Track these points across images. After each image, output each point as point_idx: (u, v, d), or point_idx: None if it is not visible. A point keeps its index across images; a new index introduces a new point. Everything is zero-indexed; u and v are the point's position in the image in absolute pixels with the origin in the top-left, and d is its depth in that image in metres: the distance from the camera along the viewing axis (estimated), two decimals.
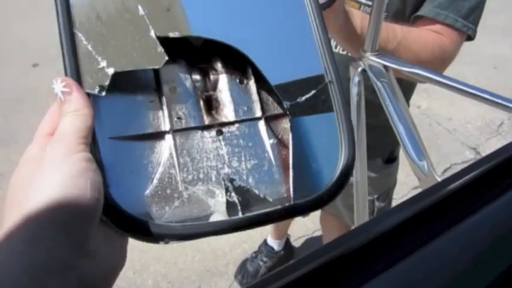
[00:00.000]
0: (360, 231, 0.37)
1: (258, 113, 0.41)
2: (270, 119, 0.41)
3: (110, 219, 0.32)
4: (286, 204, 0.37)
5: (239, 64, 0.41)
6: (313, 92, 0.41)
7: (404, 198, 2.02)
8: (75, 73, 0.34)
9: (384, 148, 1.22)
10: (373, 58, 0.69)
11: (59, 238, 0.28)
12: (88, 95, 0.34)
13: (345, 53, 0.98)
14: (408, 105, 1.11)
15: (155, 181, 0.36)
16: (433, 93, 2.82)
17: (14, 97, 2.89)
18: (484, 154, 2.55)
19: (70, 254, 0.29)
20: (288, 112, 0.40)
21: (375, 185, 1.25)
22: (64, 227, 0.29)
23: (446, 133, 2.75)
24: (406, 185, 2.20)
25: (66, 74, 0.34)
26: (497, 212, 0.32)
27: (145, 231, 0.33)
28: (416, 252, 0.29)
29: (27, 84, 3.01)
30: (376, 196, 1.29)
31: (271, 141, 0.40)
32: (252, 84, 0.41)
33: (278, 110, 0.41)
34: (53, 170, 0.30)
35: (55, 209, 0.28)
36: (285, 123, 0.40)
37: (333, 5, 0.66)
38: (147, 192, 0.35)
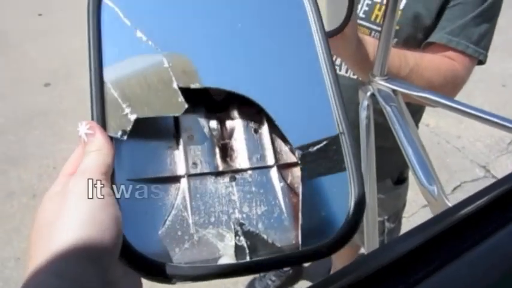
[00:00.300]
0: (372, 257, 0.37)
1: (271, 162, 0.42)
2: (282, 167, 0.43)
3: (122, 257, 0.33)
4: (294, 251, 0.38)
5: (254, 113, 0.44)
6: (324, 142, 0.42)
7: (414, 217, 1.99)
8: (101, 118, 0.37)
9: (393, 169, 1.22)
10: (382, 82, 0.70)
11: (85, 271, 0.29)
12: (111, 138, 0.37)
13: (355, 77, 0.99)
14: (417, 127, 1.11)
15: (168, 223, 0.37)
16: (442, 111, 2.79)
17: (25, 116, 2.92)
18: (493, 172, 2.54)
19: (95, 286, 0.30)
20: (299, 161, 0.41)
21: (384, 206, 1.25)
22: (88, 261, 0.30)
23: (455, 151, 2.74)
24: (415, 203, 2.18)
25: (92, 118, 0.37)
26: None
27: (155, 272, 0.34)
28: (429, 278, 0.29)
29: (38, 103, 3.05)
30: (386, 217, 1.29)
31: (282, 189, 0.41)
32: (265, 133, 0.44)
33: (290, 159, 0.43)
34: (76, 205, 0.32)
35: (80, 244, 0.30)
36: (296, 172, 0.42)
37: (344, 32, 0.67)
38: (160, 233, 0.36)
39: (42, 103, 3.05)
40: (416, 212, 2.21)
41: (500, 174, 2.51)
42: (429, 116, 2.81)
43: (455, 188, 2.45)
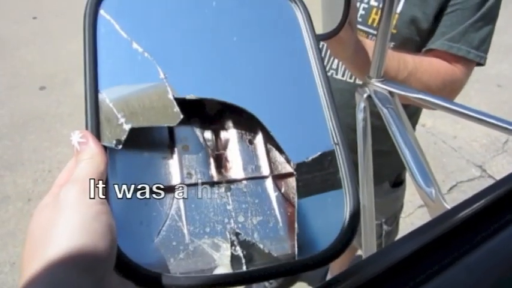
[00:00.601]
0: (370, 262, 0.37)
1: (266, 172, 0.42)
2: (277, 178, 0.43)
3: (116, 268, 0.33)
4: (290, 261, 0.38)
5: (249, 124, 0.44)
6: (319, 153, 0.42)
7: (410, 217, 1.99)
8: (95, 128, 0.37)
9: (390, 172, 1.22)
10: (378, 84, 0.69)
11: (79, 281, 0.29)
12: (105, 148, 0.36)
13: (351, 81, 0.99)
14: (414, 129, 1.11)
15: (163, 233, 0.37)
16: (438, 111, 2.81)
17: (20, 120, 2.91)
18: (490, 172, 2.55)
19: None
20: (294, 172, 0.41)
21: (382, 209, 1.25)
22: (83, 270, 0.29)
23: (451, 151, 2.75)
24: (412, 204, 2.19)
25: (86, 128, 0.37)
26: (508, 242, 0.32)
27: (150, 282, 0.34)
28: (428, 283, 0.29)
29: (34, 107, 3.04)
30: (383, 220, 1.29)
31: (278, 199, 0.41)
32: (260, 144, 0.44)
33: (285, 169, 0.43)
34: (68, 214, 0.31)
35: (74, 253, 0.29)
36: (292, 182, 0.42)
37: (340, 36, 0.67)
38: (154, 243, 0.36)
39: (38, 107, 3.04)
40: (412, 212, 2.22)
41: (496, 174, 2.52)
42: (426, 116, 2.80)
43: (451, 188, 2.46)
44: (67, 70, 3.34)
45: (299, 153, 0.42)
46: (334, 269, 1.81)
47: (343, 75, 1.00)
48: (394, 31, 0.91)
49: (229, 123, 0.44)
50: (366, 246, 0.81)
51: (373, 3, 0.94)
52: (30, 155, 2.61)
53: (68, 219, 0.31)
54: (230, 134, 0.44)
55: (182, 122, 0.40)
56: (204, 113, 0.44)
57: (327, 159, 0.42)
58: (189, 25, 0.44)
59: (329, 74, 1.01)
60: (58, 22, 4.08)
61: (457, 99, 0.94)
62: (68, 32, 3.64)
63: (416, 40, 0.94)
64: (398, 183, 1.26)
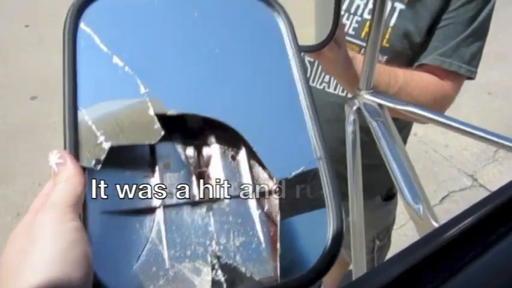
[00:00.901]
0: (358, 284, 0.36)
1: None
2: (260, 195, 0.42)
3: None
4: (273, 284, 0.37)
5: (231, 140, 0.43)
6: (302, 168, 0.41)
7: (402, 228, 1.97)
8: (74, 147, 0.36)
9: (382, 186, 1.21)
10: (368, 96, 0.69)
11: None
12: (84, 169, 0.35)
13: (343, 94, 0.99)
14: (406, 142, 1.11)
15: (142, 258, 0.36)
16: None
17: (11, 130, 2.88)
18: (481, 181, 2.55)
19: None
20: (277, 188, 0.40)
21: (375, 223, 1.24)
22: None
23: (442, 160, 2.75)
24: (404, 215, 2.16)
25: (65, 147, 0.36)
26: (503, 255, 0.31)
27: None
28: None
29: (25, 117, 3.01)
30: (375, 234, 1.28)
31: (260, 218, 0.40)
32: (243, 160, 0.43)
33: (268, 186, 0.42)
34: (44, 244, 0.30)
35: (49, 285, 0.28)
36: (274, 200, 0.41)
37: (324, 53, 0.67)
38: (133, 269, 0.35)
39: (29, 117, 3.01)
40: (405, 224, 2.21)
41: (487, 183, 2.53)
42: (417, 125, 2.79)
43: (443, 198, 2.46)
44: (59, 79, 3.30)
45: (282, 168, 0.41)
46: (327, 284, 1.80)
47: (335, 89, 1.00)
48: (387, 45, 0.91)
49: (212, 139, 0.43)
50: (355, 261, 0.80)
51: (366, 16, 0.94)
52: (20, 166, 2.58)
53: (44, 249, 0.30)
54: (213, 150, 0.43)
55: (163, 139, 0.39)
56: (185, 128, 0.43)
57: (310, 174, 0.41)
58: (171, 37, 0.43)
59: (321, 87, 1.01)
60: (50, 31, 4.06)
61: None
62: (60, 41, 3.61)
63: (408, 54, 0.94)
64: (390, 196, 1.25)
